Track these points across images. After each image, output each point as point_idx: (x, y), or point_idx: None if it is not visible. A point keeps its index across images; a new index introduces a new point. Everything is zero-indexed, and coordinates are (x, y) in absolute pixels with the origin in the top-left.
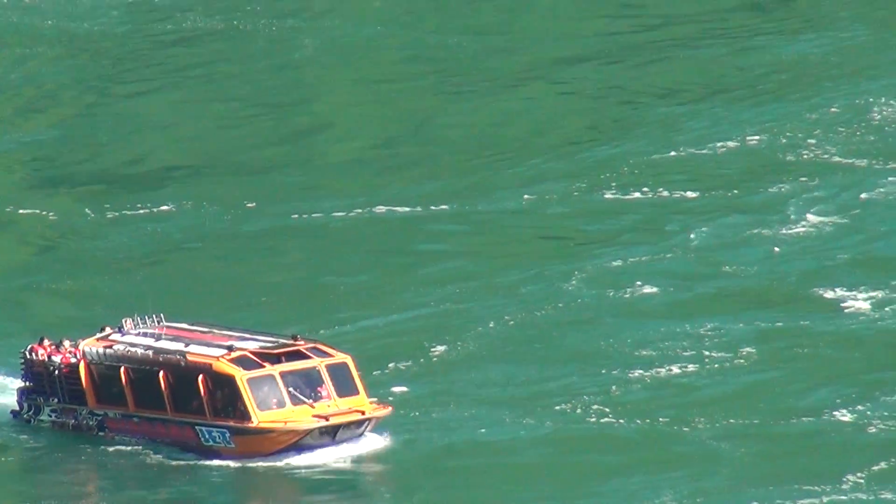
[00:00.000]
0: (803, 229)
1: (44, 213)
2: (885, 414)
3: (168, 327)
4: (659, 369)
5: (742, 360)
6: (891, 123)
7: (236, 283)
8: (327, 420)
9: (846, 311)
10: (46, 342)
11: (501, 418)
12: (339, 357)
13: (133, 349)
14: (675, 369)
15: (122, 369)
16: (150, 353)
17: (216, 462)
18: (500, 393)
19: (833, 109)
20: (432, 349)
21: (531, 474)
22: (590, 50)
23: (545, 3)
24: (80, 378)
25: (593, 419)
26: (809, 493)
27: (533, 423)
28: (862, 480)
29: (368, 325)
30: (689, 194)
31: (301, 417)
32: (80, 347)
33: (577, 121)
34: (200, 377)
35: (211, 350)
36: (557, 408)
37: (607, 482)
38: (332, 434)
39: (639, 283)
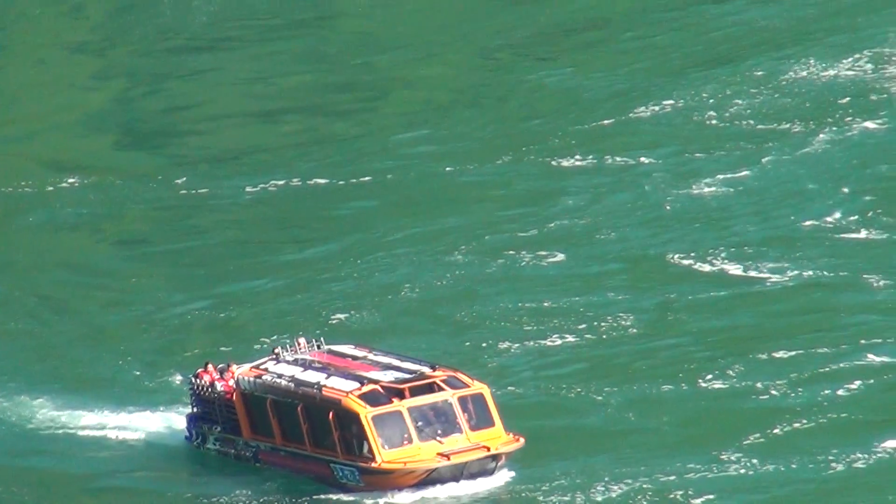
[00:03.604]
0: (705, 194)
1: None
2: (763, 381)
3: (328, 352)
4: (547, 340)
5: (637, 330)
6: (803, 90)
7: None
8: (448, 459)
9: (736, 281)
10: (210, 367)
11: None
12: (475, 388)
13: (278, 380)
14: (563, 340)
15: (269, 401)
16: (292, 385)
17: (350, 497)
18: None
19: (757, 73)
20: (331, 318)
21: None
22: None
23: None
24: (234, 408)
25: (517, 389)
26: (713, 460)
27: None
28: (748, 447)
29: (259, 288)
30: (581, 162)
31: (426, 455)
32: (235, 376)
33: (499, 81)
34: (331, 413)
35: (346, 383)
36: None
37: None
38: (459, 470)
39: (541, 252)
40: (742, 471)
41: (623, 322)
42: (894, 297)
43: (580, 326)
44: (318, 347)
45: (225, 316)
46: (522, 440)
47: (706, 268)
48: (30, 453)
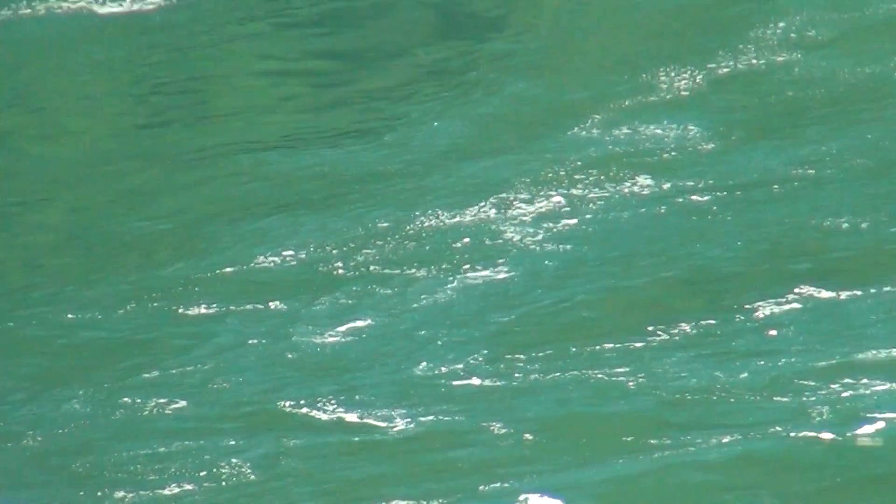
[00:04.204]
0: (324, 342)
1: None
2: None
3: None
4: (166, 489)
5: (255, 477)
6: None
7: None
8: None
9: (353, 429)
10: None
11: None
12: None
13: None
14: (181, 488)
15: None
16: None
17: None
18: None
19: (380, 221)
20: None
21: None
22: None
23: None
24: None
25: None
26: None
27: None
28: None
29: None
30: (207, 310)
31: None
32: None
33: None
34: None
35: None
36: None
37: None
38: None
39: (161, 399)
40: None
41: (241, 469)
42: (512, 445)
43: (200, 473)
44: None
45: None
46: None
47: (322, 416)
48: None
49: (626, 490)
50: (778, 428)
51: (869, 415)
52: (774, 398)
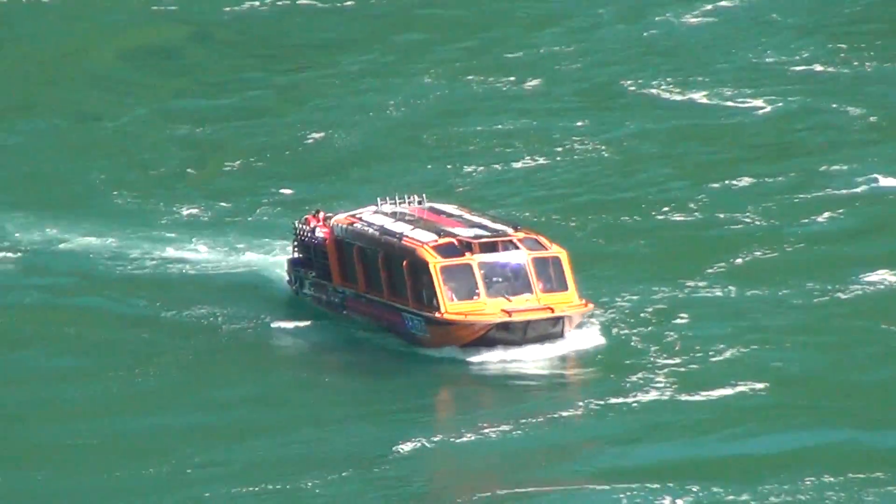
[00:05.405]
0: (689, 23)
1: None
2: (729, 212)
3: (429, 209)
4: (520, 162)
5: (606, 155)
6: None
7: None
8: (510, 315)
9: (705, 110)
10: (321, 214)
11: None
12: (553, 251)
13: (367, 228)
14: (535, 161)
15: (355, 248)
16: (377, 233)
17: (420, 351)
18: None
19: None
20: (308, 139)
21: None
22: None
23: None
24: (326, 253)
25: None
26: (680, 286)
27: None
28: None
29: None
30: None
31: (491, 311)
32: (331, 222)
33: None
34: (406, 262)
35: (425, 235)
36: None
37: None
38: (522, 330)
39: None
40: (710, 295)
41: (596, 147)
42: (865, 125)
43: (555, 148)
44: (420, 203)
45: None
46: (591, 305)
47: (671, 97)
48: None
49: None
50: None
51: None
52: None
